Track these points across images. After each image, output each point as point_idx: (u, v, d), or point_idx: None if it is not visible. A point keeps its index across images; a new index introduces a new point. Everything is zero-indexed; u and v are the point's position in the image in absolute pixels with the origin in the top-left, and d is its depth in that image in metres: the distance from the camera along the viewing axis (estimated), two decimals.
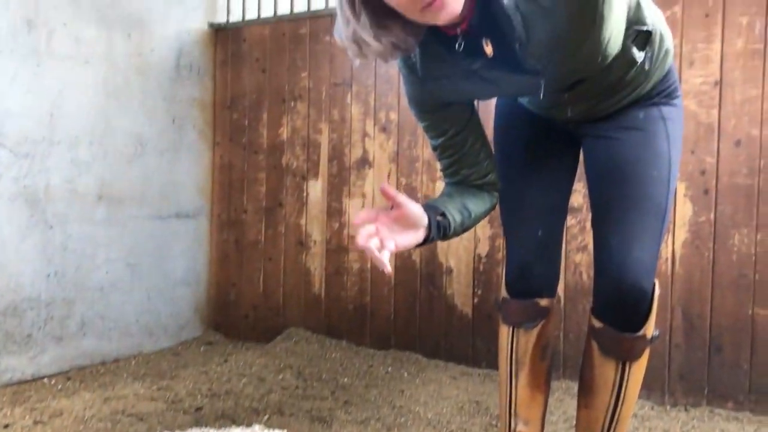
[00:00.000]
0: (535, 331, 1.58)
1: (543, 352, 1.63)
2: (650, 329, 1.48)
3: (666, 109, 1.48)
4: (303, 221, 3.18)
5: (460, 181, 1.48)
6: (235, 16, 3.41)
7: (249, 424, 2.04)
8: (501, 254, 2.68)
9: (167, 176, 3.20)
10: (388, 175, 2.92)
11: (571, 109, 1.47)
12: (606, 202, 1.48)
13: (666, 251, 2.36)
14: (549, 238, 1.59)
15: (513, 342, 1.61)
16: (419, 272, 2.87)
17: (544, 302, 1.60)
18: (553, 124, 1.58)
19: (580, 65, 1.32)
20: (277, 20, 3.25)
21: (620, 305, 1.44)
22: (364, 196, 3.00)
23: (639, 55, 1.38)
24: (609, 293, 1.45)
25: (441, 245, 2.81)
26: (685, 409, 2.31)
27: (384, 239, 1.19)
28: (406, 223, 1.25)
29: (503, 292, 1.64)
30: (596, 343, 1.51)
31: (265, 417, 2.14)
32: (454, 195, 1.44)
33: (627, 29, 1.35)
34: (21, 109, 2.59)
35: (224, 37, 3.40)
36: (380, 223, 1.21)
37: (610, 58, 1.33)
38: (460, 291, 2.77)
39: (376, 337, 2.99)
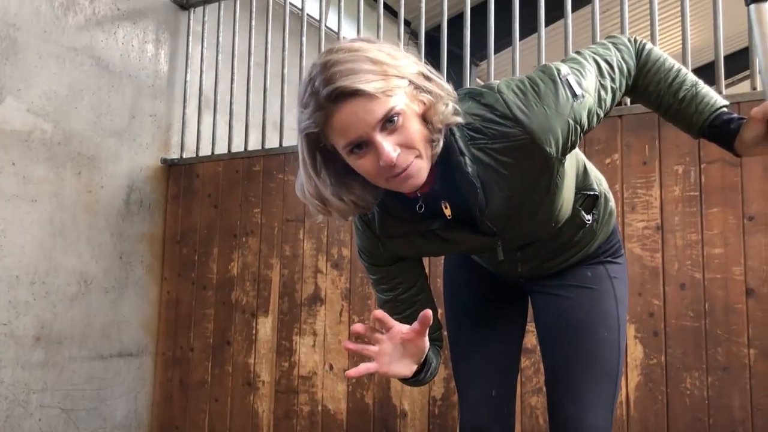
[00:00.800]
0: None
1: None
2: None
3: (612, 268, 1.52)
4: (252, 360, 3.07)
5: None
6: (189, 153, 3.44)
7: None
8: (455, 397, 2.62)
9: (111, 314, 3.09)
10: (340, 313, 2.88)
11: (521, 266, 1.49)
12: (558, 361, 1.47)
13: (621, 393, 2.34)
14: (504, 398, 1.56)
15: None
16: (372, 415, 2.77)
17: None
18: (502, 278, 1.59)
19: (534, 229, 1.36)
20: (231, 157, 3.29)
21: None
22: (315, 333, 2.94)
23: (587, 218, 1.44)
24: None
25: (394, 387, 2.74)
26: None
27: (381, 357, 1.20)
28: (409, 350, 1.23)
29: None
30: None
31: None
32: None
33: (575, 194, 1.40)
34: None
35: (177, 172, 3.41)
36: (389, 338, 1.21)
37: (561, 222, 1.37)
38: None
39: None
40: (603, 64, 1.28)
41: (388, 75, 1.08)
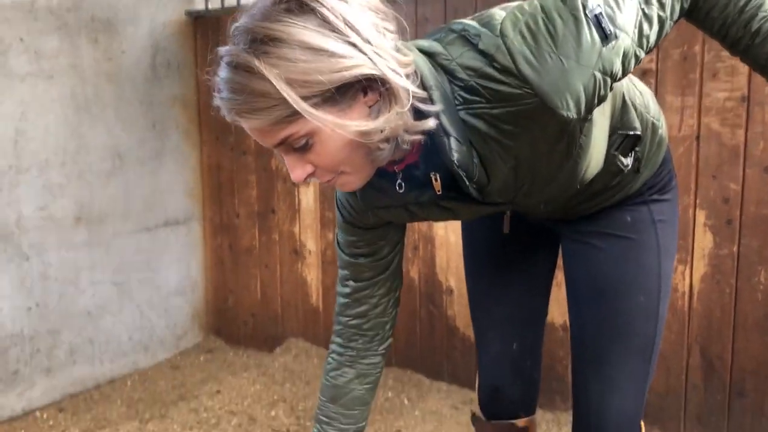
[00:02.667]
0: None
1: None
2: None
3: (658, 208, 1.23)
4: (296, 229, 2.99)
5: (355, 323, 1.27)
6: (215, 2, 3.12)
7: None
8: None
9: (151, 185, 3.02)
10: None
11: (545, 206, 1.22)
12: (584, 328, 1.26)
13: (683, 284, 2.14)
14: (526, 354, 1.39)
15: None
16: (418, 290, 2.69)
17: (521, 422, 1.42)
18: (526, 219, 1.35)
19: (555, 192, 1.10)
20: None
21: None
22: None
23: (626, 162, 1.15)
24: None
25: (440, 264, 2.61)
26: None
27: None
28: None
29: (476, 407, 1.45)
30: None
31: None
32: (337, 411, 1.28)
33: (610, 136, 1.11)
34: None
35: (204, 25, 3.13)
36: None
37: (589, 179, 1.10)
38: (461, 312, 2.59)
39: None
40: None
41: (298, 96, 0.83)
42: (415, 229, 2.65)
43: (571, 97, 0.89)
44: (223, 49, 0.87)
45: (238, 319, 3.24)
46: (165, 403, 2.67)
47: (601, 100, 0.93)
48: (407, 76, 0.90)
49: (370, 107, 0.89)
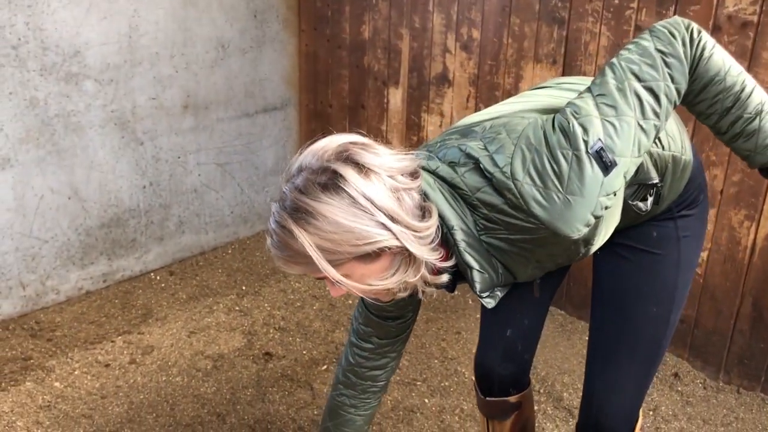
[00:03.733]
0: (508, 422, 1.60)
1: None
2: None
3: (684, 223, 1.31)
4: (384, 127, 3.13)
5: (372, 374, 1.45)
6: None
7: (306, 381, 2.29)
8: None
9: (252, 74, 3.20)
10: (467, 98, 2.76)
11: None
12: (599, 328, 1.39)
13: (747, 239, 2.18)
14: (519, 339, 1.50)
15: (489, 429, 1.65)
16: None
17: (513, 399, 1.57)
18: None
19: (576, 257, 1.22)
20: None
21: None
22: (442, 114, 2.88)
23: (645, 206, 1.23)
24: None
25: None
26: (738, 391, 2.30)
27: None
28: None
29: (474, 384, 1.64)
30: None
31: (323, 367, 2.38)
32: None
33: (626, 189, 1.19)
34: (99, 37, 2.63)
35: None
36: None
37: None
38: None
39: None
40: (647, 99, 0.99)
41: (326, 261, 0.98)
42: None
43: (580, 223, 0.99)
44: (274, 207, 1.03)
45: None
46: (259, 275, 3.04)
47: (607, 208, 1.02)
48: (427, 237, 1.03)
49: (394, 255, 1.02)
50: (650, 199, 1.23)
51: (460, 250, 1.07)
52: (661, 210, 1.29)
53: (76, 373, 2.31)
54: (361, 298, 1.33)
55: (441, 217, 1.06)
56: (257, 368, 2.36)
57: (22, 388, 2.22)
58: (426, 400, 2.23)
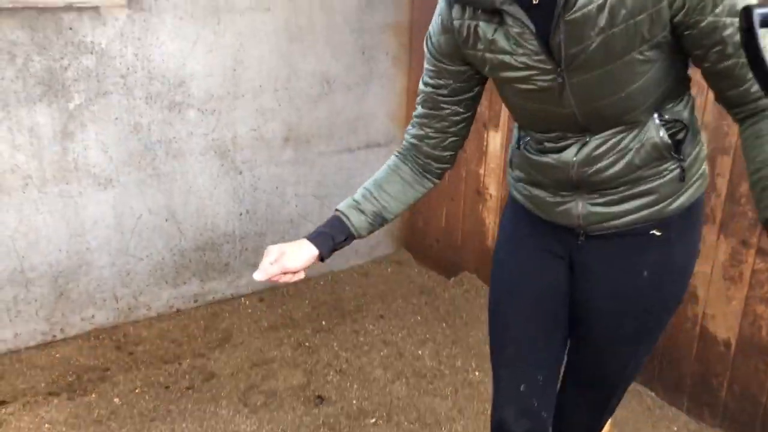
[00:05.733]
0: None
1: None
2: None
3: (679, 252, 1.32)
4: (482, 171, 2.99)
5: (416, 142, 1.44)
6: None
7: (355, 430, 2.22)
8: None
9: (356, 110, 3.20)
10: None
11: (587, 120, 1.22)
12: (578, 350, 1.47)
13: None
14: (535, 394, 1.42)
15: None
16: None
17: None
18: (557, 234, 1.38)
19: (602, 90, 1.16)
20: None
21: None
22: None
23: (665, 137, 1.21)
24: None
25: None
26: None
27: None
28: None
29: None
30: None
31: (371, 420, 2.28)
32: (377, 188, 1.48)
33: (659, 111, 1.21)
34: (204, 69, 2.75)
35: None
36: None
37: (635, 107, 1.18)
38: None
39: None
40: None
41: None
42: None
43: None
44: None
45: (426, 240, 3.42)
46: (342, 311, 3.01)
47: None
48: None
49: None
50: (672, 137, 1.22)
51: None
52: (665, 215, 1.28)
53: (137, 391, 2.40)
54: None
55: None
56: (303, 411, 2.32)
57: (86, 399, 2.34)
58: None
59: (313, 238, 1.37)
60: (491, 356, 1.48)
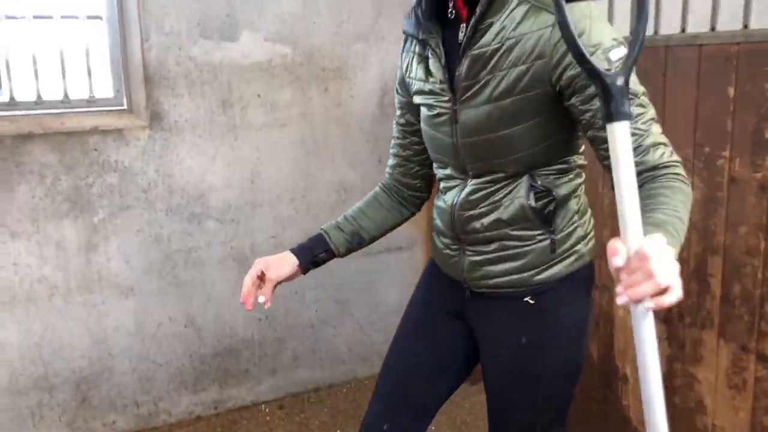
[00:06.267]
0: None
1: None
2: None
3: (559, 321, 1.34)
4: None
5: (390, 171, 1.61)
6: None
7: None
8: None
9: None
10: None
11: (469, 157, 1.33)
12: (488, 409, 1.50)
13: None
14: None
15: None
16: (596, 370, 2.49)
17: None
18: (449, 284, 1.49)
19: (482, 135, 1.28)
20: None
21: None
22: None
23: (534, 203, 1.29)
24: None
25: (618, 346, 2.38)
26: None
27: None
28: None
29: None
30: None
31: None
32: (358, 212, 1.60)
33: (531, 173, 1.29)
34: (222, 181, 2.91)
35: None
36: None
37: (513, 153, 1.27)
38: (635, 406, 2.34)
39: None
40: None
41: None
42: (596, 305, 2.45)
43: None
44: None
45: None
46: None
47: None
48: None
49: None
50: (540, 204, 1.28)
51: None
52: (535, 281, 1.33)
53: None
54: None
55: None
56: None
57: None
58: None
59: (296, 251, 1.55)
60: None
